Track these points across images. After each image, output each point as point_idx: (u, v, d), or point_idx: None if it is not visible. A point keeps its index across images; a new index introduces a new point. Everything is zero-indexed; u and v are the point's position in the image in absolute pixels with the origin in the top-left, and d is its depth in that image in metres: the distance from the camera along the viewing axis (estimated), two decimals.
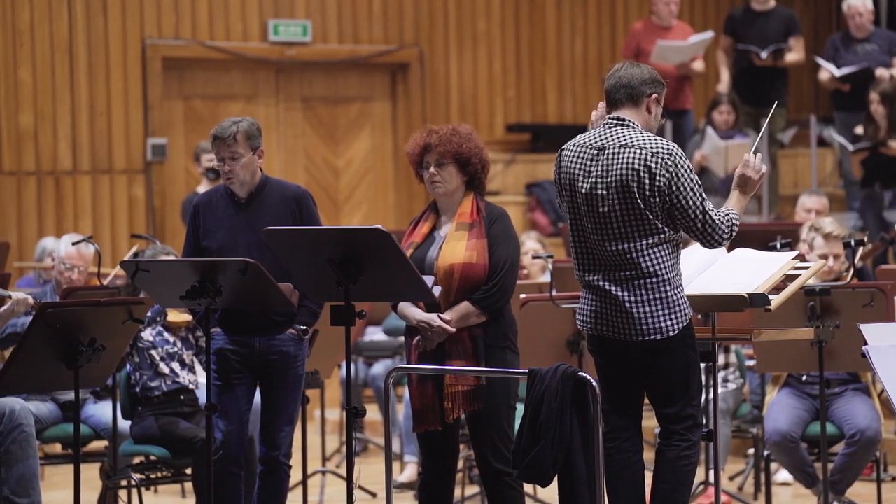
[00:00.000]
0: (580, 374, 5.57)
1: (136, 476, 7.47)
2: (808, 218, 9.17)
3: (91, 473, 8.32)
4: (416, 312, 6.12)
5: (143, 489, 7.57)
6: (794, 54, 12.29)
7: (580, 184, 5.71)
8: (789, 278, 6.02)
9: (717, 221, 5.65)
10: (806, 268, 6.11)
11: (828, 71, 11.89)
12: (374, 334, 10.36)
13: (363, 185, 13.22)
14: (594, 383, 5.54)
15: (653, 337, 5.65)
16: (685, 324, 5.69)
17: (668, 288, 5.64)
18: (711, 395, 6.27)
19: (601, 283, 5.69)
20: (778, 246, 7.31)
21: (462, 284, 6.07)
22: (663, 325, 5.65)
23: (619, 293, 5.65)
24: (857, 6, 11.88)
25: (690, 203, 5.63)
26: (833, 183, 13.01)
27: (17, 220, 11.88)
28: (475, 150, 6.18)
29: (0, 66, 11.83)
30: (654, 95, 5.80)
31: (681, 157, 5.65)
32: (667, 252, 5.67)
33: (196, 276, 6.07)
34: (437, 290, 6.01)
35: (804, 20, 13.89)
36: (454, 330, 6.06)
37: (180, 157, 12.46)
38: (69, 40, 12.03)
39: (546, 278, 8.46)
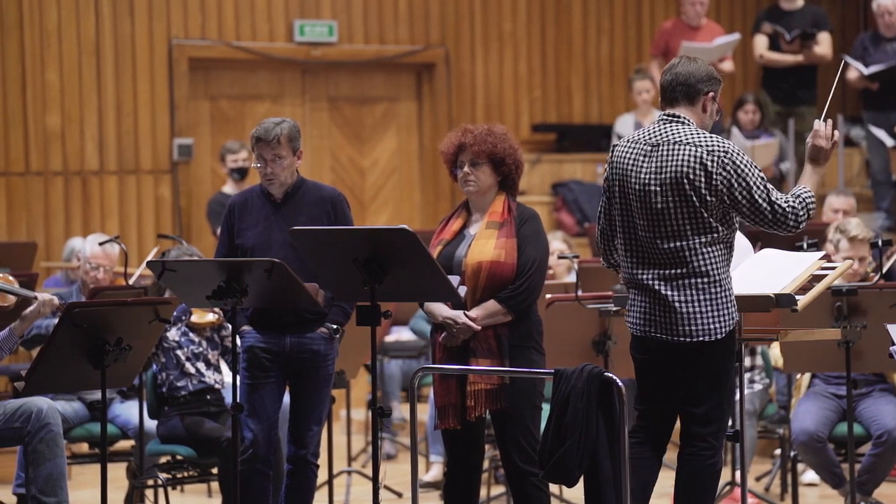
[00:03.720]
0: (606, 374, 5.55)
1: (163, 475, 7.49)
2: (836, 218, 9.13)
3: (118, 473, 8.35)
4: (442, 309, 6.12)
5: (169, 489, 7.59)
6: (822, 48, 12.24)
7: (633, 179, 5.67)
8: (816, 278, 5.99)
9: (786, 209, 5.57)
10: (833, 268, 6.08)
11: (856, 69, 11.85)
12: (399, 333, 10.37)
13: (389, 185, 13.22)
14: (620, 384, 5.52)
15: (700, 339, 5.59)
16: (732, 327, 5.64)
17: (718, 289, 5.59)
18: (738, 396, 6.24)
19: (651, 283, 5.64)
20: (805, 246, 7.27)
21: (489, 283, 6.08)
22: (711, 326, 5.59)
23: (669, 292, 5.60)
24: (886, 5, 11.84)
25: (756, 197, 5.56)
26: (860, 183, 12.96)
27: (45, 221, 11.92)
28: (510, 151, 6.18)
29: (28, 68, 11.88)
30: (711, 93, 5.75)
31: (738, 154, 5.59)
32: (720, 252, 5.60)
33: (222, 276, 6.08)
34: (462, 291, 6.02)
35: (832, 19, 13.83)
36: (479, 328, 6.06)
37: (206, 157, 12.48)
38: (96, 41, 12.07)
39: (572, 278, 8.45)
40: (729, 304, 5.62)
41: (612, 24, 13.85)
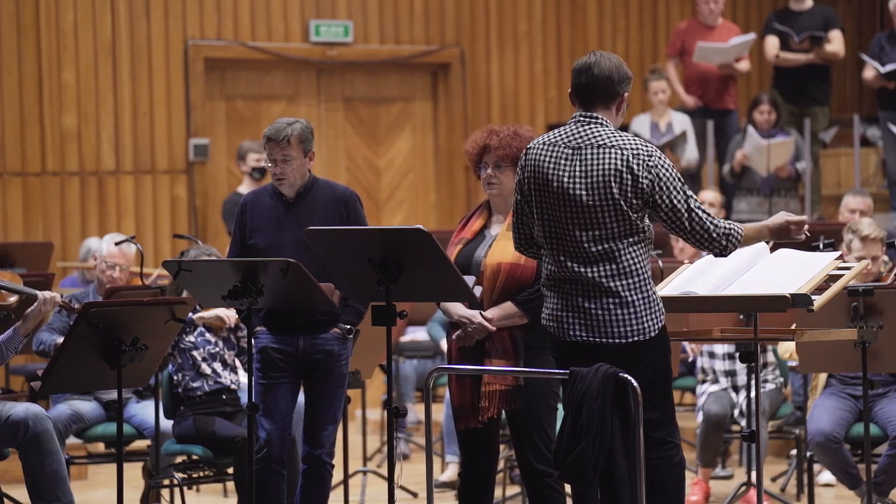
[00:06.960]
0: (621, 374, 5.54)
1: (179, 475, 7.50)
2: (852, 218, 9.12)
3: (134, 472, 8.37)
4: (458, 308, 6.12)
5: (185, 488, 7.60)
6: (834, 45, 12.22)
7: (554, 183, 5.52)
8: (832, 279, 5.98)
9: (705, 221, 5.50)
10: (849, 268, 6.07)
11: (873, 68, 11.82)
12: (415, 333, 10.37)
13: (404, 185, 13.23)
14: (635, 384, 5.50)
15: (636, 338, 5.51)
16: (662, 323, 5.57)
17: (647, 287, 5.51)
18: (753, 395, 6.23)
19: (578, 286, 5.52)
20: (821, 246, 7.27)
21: (507, 284, 6.08)
22: (645, 325, 5.52)
23: (600, 294, 5.50)
24: None
25: (675, 202, 5.48)
26: (876, 183, 12.93)
27: (61, 221, 11.96)
28: None
29: (44, 68, 11.91)
30: (625, 94, 5.63)
31: (661, 158, 5.51)
32: (644, 251, 5.53)
33: (238, 275, 6.09)
34: (477, 291, 6.01)
35: (847, 19, 13.81)
36: (494, 328, 6.06)
37: (222, 157, 12.51)
38: (112, 41, 12.10)
39: None
40: (658, 301, 5.54)
41: (628, 23, 13.84)
